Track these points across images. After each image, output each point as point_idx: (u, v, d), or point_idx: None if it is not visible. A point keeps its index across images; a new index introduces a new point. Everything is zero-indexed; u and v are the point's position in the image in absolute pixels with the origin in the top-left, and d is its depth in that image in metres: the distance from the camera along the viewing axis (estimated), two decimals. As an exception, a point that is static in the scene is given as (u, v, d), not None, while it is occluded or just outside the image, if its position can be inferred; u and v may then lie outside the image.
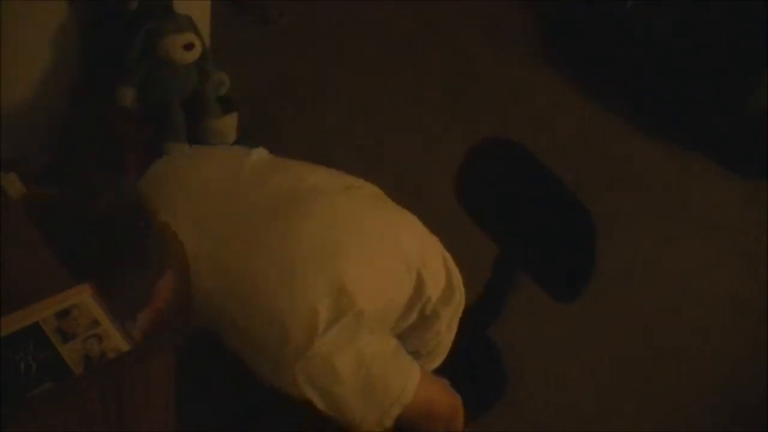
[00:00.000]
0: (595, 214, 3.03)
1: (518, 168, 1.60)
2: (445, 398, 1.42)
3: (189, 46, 2.20)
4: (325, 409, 1.26)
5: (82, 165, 2.43)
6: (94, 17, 2.26)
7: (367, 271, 1.34)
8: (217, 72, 2.34)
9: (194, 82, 2.28)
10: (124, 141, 2.25)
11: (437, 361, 1.58)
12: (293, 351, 1.22)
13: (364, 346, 1.26)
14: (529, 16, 4.07)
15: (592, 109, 3.58)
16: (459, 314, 1.54)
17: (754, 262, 3.00)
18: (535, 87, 3.65)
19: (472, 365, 1.71)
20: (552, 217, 1.34)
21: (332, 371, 1.24)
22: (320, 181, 1.44)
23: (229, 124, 2.36)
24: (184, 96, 2.27)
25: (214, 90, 2.33)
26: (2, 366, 1.20)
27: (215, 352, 1.42)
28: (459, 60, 3.61)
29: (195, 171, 1.43)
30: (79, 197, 1.25)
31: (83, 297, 1.34)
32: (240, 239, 1.30)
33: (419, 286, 1.44)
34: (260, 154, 1.48)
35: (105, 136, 2.31)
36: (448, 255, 1.54)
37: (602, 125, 3.51)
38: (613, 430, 2.33)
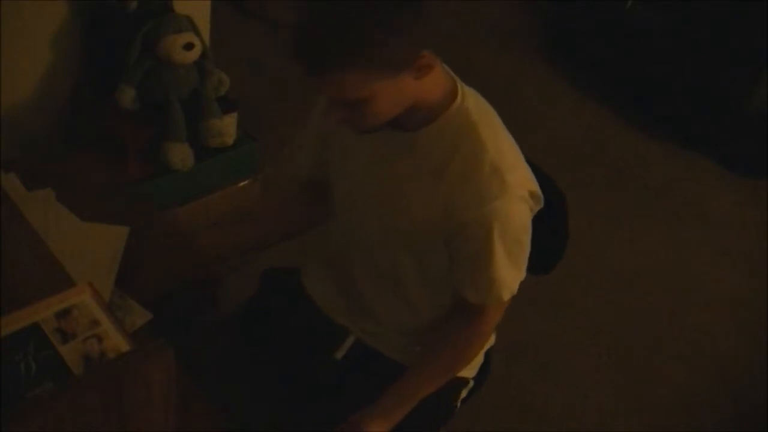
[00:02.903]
0: (596, 214, 3.06)
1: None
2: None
3: (189, 46, 2.20)
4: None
5: (82, 165, 2.42)
6: (94, 17, 2.26)
7: None
8: (217, 72, 2.34)
9: (194, 82, 2.28)
10: (124, 141, 2.25)
11: None
12: None
13: None
14: (529, 16, 4.07)
15: (592, 109, 3.58)
16: None
17: (754, 262, 3.00)
18: (535, 86, 3.65)
19: None
20: None
21: None
22: None
23: (229, 124, 2.36)
24: (184, 96, 2.26)
25: (214, 90, 2.33)
26: (2, 366, 1.20)
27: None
28: (459, 60, 3.60)
29: None
30: None
31: (83, 297, 1.34)
32: None
33: None
34: None
35: (105, 136, 2.31)
36: None
37: (602, 125, 3.51)
38: (613, 430, 2.33)
